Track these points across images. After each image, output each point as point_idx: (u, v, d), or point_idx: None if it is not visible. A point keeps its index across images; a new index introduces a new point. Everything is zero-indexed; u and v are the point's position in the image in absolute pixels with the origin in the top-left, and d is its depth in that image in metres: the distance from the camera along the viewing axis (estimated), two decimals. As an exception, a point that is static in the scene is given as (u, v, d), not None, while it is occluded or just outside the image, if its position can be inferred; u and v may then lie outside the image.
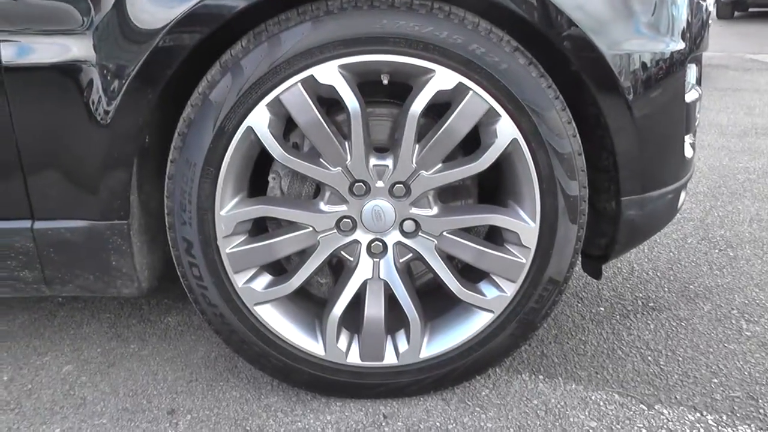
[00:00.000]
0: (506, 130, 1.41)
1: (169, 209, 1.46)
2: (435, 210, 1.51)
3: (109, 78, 1.36)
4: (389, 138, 1.56)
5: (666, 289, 2.18)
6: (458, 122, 1.41)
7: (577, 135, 1.44)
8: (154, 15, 1.34)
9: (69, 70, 1.36)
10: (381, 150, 1.49)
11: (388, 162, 1.46)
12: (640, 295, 2.14)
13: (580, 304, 2.09)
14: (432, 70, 1.38)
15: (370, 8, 1.35)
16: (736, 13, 13.93)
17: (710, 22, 1.78)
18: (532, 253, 1.50)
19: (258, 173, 1.57)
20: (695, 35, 1.59)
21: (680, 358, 1.78)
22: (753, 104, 5.16)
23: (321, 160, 1.45)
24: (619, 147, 1.47)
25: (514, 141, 1.42)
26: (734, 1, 13.06)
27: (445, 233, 1.50)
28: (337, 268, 1.67)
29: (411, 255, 1.54)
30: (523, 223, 1.48)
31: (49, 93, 1.38)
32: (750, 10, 14.59)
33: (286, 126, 1.48)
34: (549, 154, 1.42)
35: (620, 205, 1.54)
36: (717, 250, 2.47)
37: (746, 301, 2.08)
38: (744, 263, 2.35)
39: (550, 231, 1.48)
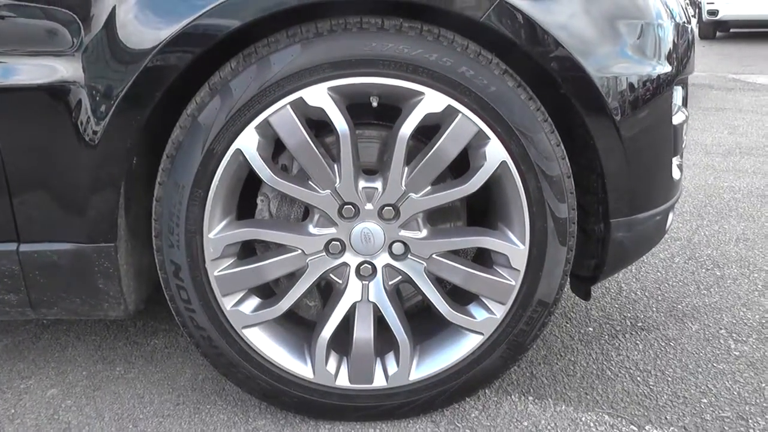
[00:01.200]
0: (495, 152, 1.41)
1: (157, 232, 1.45)
2: (424, 232, 1.50)
3: (97, 99, 1.35)
4: (378, 160, 1.56)
5: (654, 309, 2.18)
6: (447, 145, 1.41)
7: (566, 157, 1.45)
8: (143, 36, 1.33)
9: (57, 91, 1.35)
10: (370, 172, 1.49)
11: (378, 184, 1.46)
12: (629, 315, 2.15)
13: (568, 325, 2.09)
14: (421, 93, 1.38)
15: (359, 30, 1.36)
16: (718, 34, 14.11)
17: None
18: (522, 275, 1.50)
19: (246, 195, 1.57)
20: (681, 58, 1.61)
21: (669, 378, 1.78)
22: (736, 124, 5.22)
23: (310, 182, 1.44)
24: (607, 169, 1.48)
25: (503, 164, 1.42)
26: (716, 21, 13.24)
27: (434, 256, 1.50)
28: (326, 290, 1.66)
29: (400, 277, 1.53)
30: (513, 246, 1.48)
31: (36, 114, 1.37)
32: (731, 30, 14.78)
33: (274, 148, 1.48)
34: (538, 176, 1.43)
35: (609, 227, 1.54)
36: (704, 270, 2.48)
37: (734, 321, 2.09)
38: (731, 282, 2.36)
39: (540, 253, 1.48)
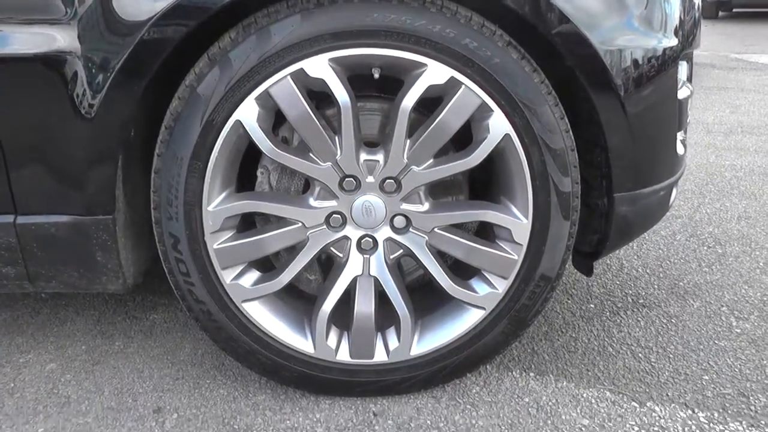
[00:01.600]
0: (499, 125, 1.40)
1: (156, 204, 1.43)
2: (426, 206, 1.49)
3: (93, 70, 1.33)
4: (380, 133, 1.55)
5: (656, 286, 2.17)
6: (450, 117, 1.39)
7: (570, 131, 1.43)
8: (139, 6, 1.31)
9: (53, 62, 1.33)
10: (371, 145, 1.47)
11: (379, 157, 1.44)
12: (630, 292, 2.14)
13: (570, 301, 2.08)
14: (424, 64, 1.36)
15: (361, 1, 1.33)
16: (720, 13, 14.00)
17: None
18: (524, 249, 1.48)
19: (246, 168, 1.55)
20: (687, 32, 1.58)
21: (671, 355, 1.78)
22: (738, 103, 5.19)
23: (310, 154, 1.43)
24: (611, 143, 1.46)
25: (507, 136, 1.40)
26: (719, 1, 13.12)
27: (436, 229, 1.48)
28: (327, 264, 1.65)
29: (401, 251, 1.52)
30: (516, 220, 1.46)
31: (32, 85, 1.35)
32: (734, 10, 14.65)
33: (275, 120, 1.46)
34: (542, 149, 1.41)
35: (612, 202, 1.53)
36: (706, 247, 2.47)
37: (735, 298, 2.08)
38: (733, 260, 2.35)
39: (543, 227, 1.46)
